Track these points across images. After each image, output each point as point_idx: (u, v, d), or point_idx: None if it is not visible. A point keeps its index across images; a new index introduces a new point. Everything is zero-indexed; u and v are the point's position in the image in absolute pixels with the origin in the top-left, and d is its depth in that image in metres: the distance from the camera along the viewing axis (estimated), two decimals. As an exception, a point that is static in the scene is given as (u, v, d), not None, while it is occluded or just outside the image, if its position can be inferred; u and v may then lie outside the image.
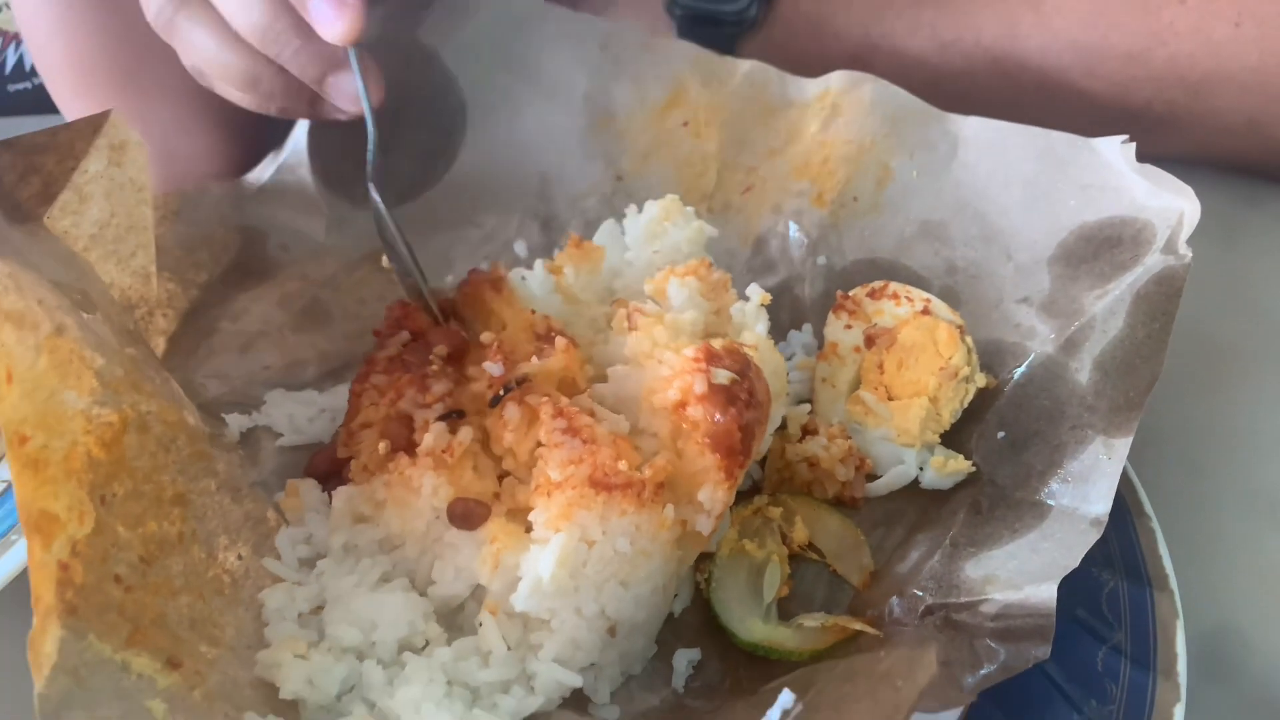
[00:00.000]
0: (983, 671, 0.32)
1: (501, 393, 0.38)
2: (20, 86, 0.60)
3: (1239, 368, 0.50)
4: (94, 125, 0.39)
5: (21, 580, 0.36)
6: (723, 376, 0.37)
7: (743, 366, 0.38)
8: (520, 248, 0.53)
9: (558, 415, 0.36)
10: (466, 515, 0.36)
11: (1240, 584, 0.41)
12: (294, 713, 0.34)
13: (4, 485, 0.42)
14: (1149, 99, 0.57)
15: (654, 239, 0.46)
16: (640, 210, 0.48)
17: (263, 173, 0.53)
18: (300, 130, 0.52)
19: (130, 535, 0.33)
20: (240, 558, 0.37)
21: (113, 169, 0.40)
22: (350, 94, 0.45)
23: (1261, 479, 0.44)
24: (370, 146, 0.45)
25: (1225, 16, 0.55)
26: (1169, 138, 0.60)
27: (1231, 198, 0.59)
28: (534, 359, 0.39)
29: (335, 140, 0.51)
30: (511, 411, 0.38)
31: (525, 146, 0.54)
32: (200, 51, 0.44)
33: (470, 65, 0.54)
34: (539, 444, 0.37)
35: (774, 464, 0.43)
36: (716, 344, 0.39)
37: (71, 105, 0.54)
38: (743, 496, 0.42)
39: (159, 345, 0.44)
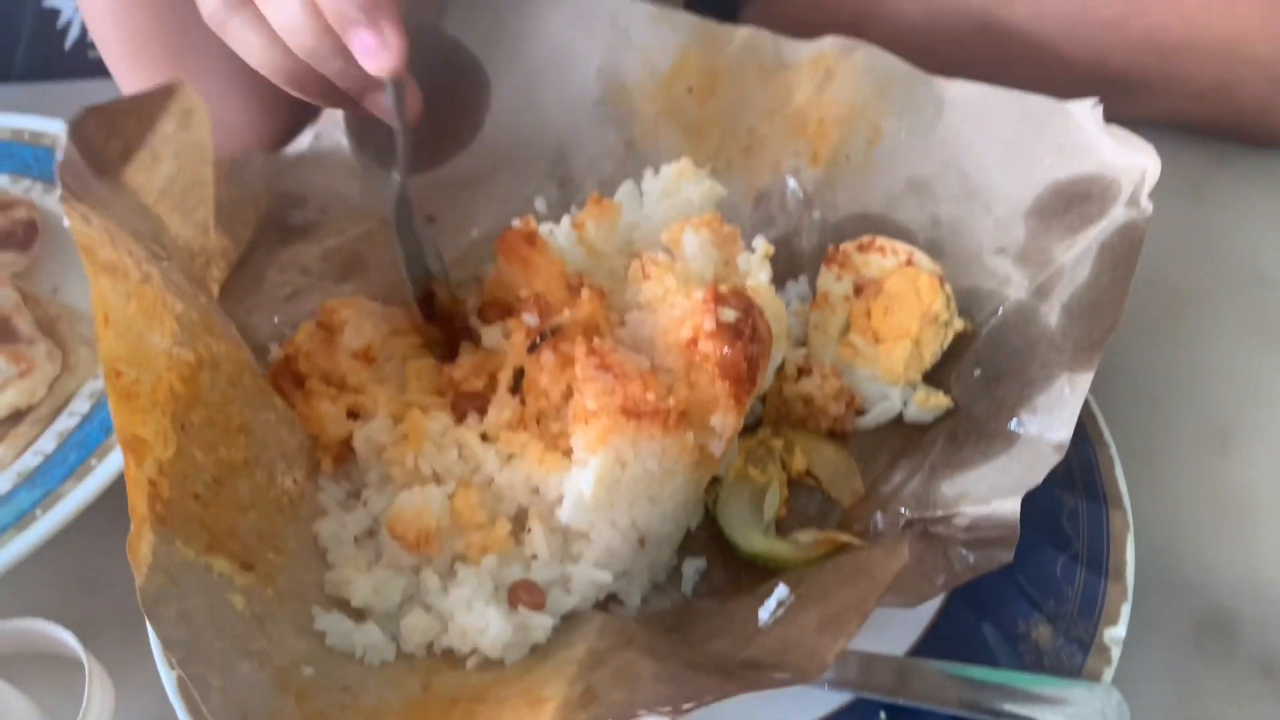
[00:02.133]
0: (954, 569, 0.37)
1: (538, 340, 0.43)
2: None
3: (1199, 311, 0.54)
4: (168, 92, 0.43)
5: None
6: (729, 315, 0.42)
7: (747, 307, 0.43)
8: (540, 204, 0.57)
9: (590, 354, 0.40)
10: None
11: (1189, 504, 0.45)
12: (358, 614, 0.39)
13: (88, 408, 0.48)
14: (1126, 64, 0.61)
15: (668, 196, 0.51)
16: (656, 173, 0.52)
17: (301, 142, 0.57)
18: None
19: (205, 459, 0.37)
20: (295, 482, 0.42)
21: (181, 132, 0.44)
22: (387, 110, 0.48)
23: (1213, 412, 0.49)
24: (399, 166, 0.48)
25: None
26: (1145, 100, 0.64)
27: (1201, 157, 0.63)
28: (565, 311, 0.44)
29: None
30: (547, 357, 0.42)
31: (543, 117, 0.58)
32: (251, 51, 0.47)
33: (492, 48, 0.58)
34: (569, 386, 0.41)
35: (773, 401, 0.48)
36: (723, 288, 0.43)
37: (125, 77, 0.58)
38: (747, 430, 0.47)
39: (214, 291, 0.48)
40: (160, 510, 0.34)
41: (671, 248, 0.47)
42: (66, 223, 0.36)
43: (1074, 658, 0.38)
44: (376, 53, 0.43)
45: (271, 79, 0.49)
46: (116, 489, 0.44)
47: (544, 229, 0.49)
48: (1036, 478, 0.39)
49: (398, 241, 0.48)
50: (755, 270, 0.47)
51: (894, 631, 0.39)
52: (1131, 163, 0.46)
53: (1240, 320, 0.54)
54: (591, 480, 0.39)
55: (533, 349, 0.43)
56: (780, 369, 0.47)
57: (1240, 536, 0.44)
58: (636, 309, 0.45)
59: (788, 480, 0.46)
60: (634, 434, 0.40)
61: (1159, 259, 0.56)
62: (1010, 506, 0.38)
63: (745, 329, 0.42)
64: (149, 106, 0.44)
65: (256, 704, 0.33)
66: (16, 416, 0.48)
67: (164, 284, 0.38)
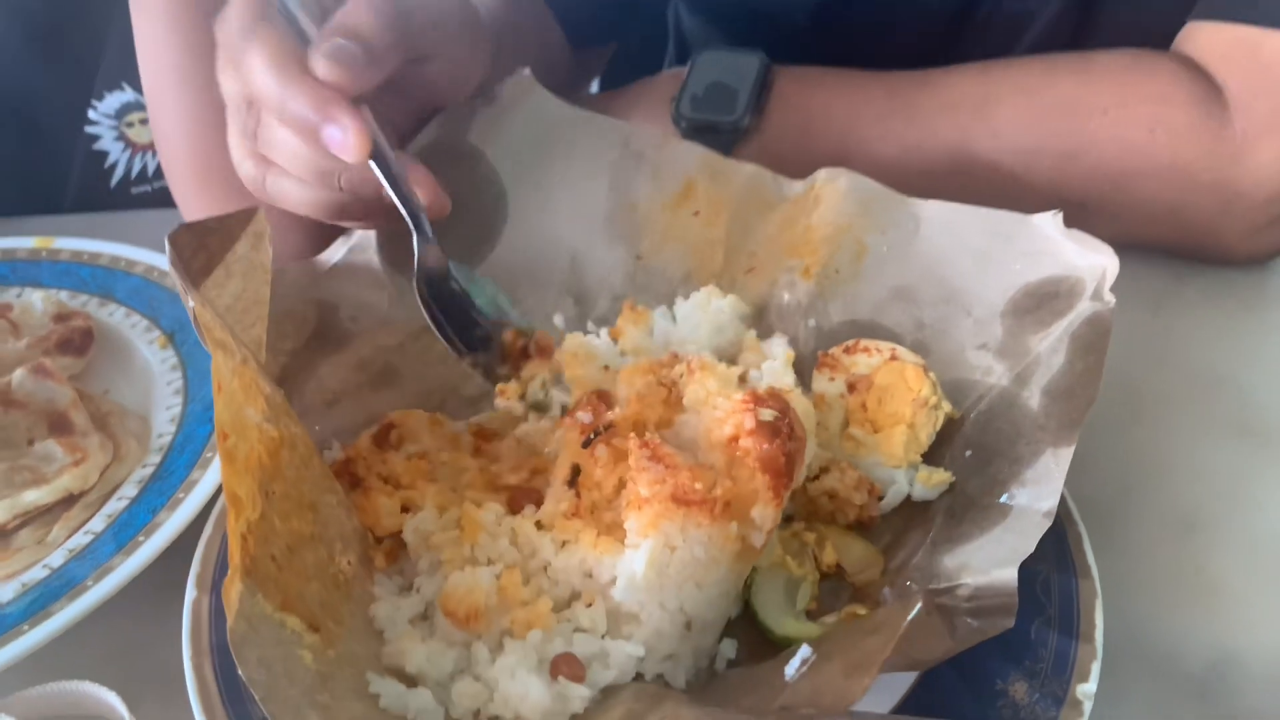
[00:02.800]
0: (959, 634, 0.40)
1: (592, 436, 0.47)
2: (142, 189, 0.70)
3: (1163, 410, 0.59)
4: (247, 216, 0.48)
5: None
6: (767, 414, 0.46)
7: (783, 407, 0.47)
8: (559, 320, 0.62)
9: (643, 446, 0.44)
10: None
11: (1156, 580, 0.49)
12: (411, 681, 0.41)
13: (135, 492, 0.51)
14: (1084, 191, 0.67)
15: (701, 309, 0.58)
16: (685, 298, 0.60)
17: (334, 254, 0.62)
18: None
19: (281, 526, 0.41)
20: (349, 563, 0.45)
21: (252, 253, 0.49)
22: (415, 205, 0.54)
23: (1177, 501, 0.54)
24: (415, 248, 0.54)
25: (1141, 124, 0.66)
26: (1104, 224, 0.69)
27: (1161, 276, 0.70)
28: (616, 409, 0.48)
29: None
30: (601, 451, 0.46)
31: (557, 231, 0.64)
32: (289, 199, 0.53)
33: (510, 162, 0.64)
34: (621, 479, 0.45)
35: (800, 499, 0.51)
36: (760, 390, 0.48)
37: (191, 200, 0.63)
38: (781, 526, 0.50)
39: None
40: (248, 563, 0.37)
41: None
42: (190, 304, 0.40)
43: (1048, 711, 0.41)
44: (344, 142, 0.48)
45: (321, 218, 0.54)
46: (160, 562, 0.47)
47: (581, 337, 0.55)
48: (1030, 545, 0.42)
49: (427, 313, 0.53)
50: (781, 374, 0.53)
51: (879, 694, 0.42)
52: (1093, 262, 0.52)
53: (1200, 418, 0.59)
54: (644, 561, 0.42)
55: (587, 444, 0.47)
56: (804, 468, 0.52)
57: (1205, 609, 0.48)
58: (681, 410, 0.50)
59: (819, 573, 0.49)
60: (683, 521, 0.43)
61: (1125, 364, 0.61)
62: (1008, 574, 0.42)
63: (783, 427, 0.46)
64: (231, 227, 0.48)
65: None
66: (70, 500, 0.52)
67: (256, 369, 0.42)
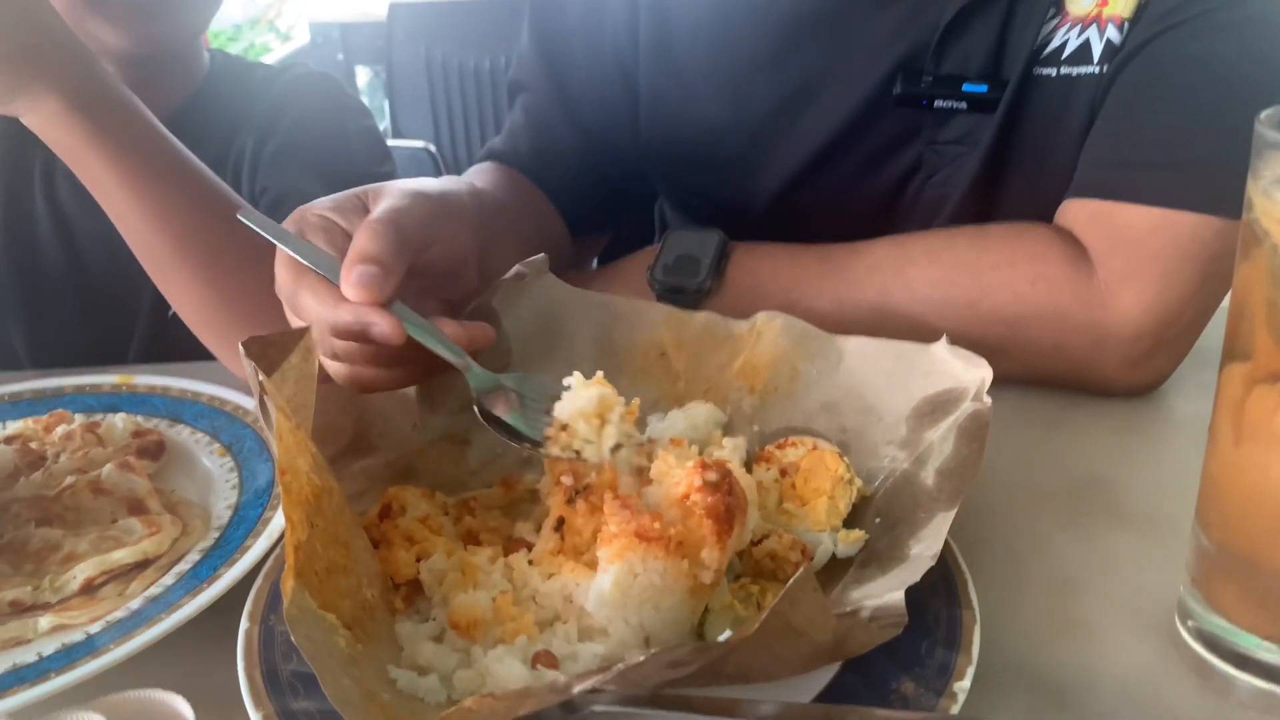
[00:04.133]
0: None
1: (575, 493, 0.59)
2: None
3: (1049, 502, 0.70)
4: (299, 335, 0.59)
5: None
6: (712, 476, 0.57)
7: (725, 471, 0.58)
8: (548, 418, 0.74)
9: (615, 498, 0.56)
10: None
11: (1035, 620, 0.59)
12: (423, 670, 0.52)
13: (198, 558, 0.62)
14: (984, 334, 0.80)
15: (683, 413, 0.71)
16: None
17: None
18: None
19: (322, 552, 0.52)
20: (373, 595, 0.56)
21: (302, 363, 0.60)
22: (453, 349, 0.64)
23: (1054, 565, 0.64)
24: (469, 381, 0.64)
25: (1025, 278, 0.80)
26: (1002, 361, 0.81)
27: (1057, 403, 0.82)
28: (594, 474, 0.60)
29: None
30: (581, 505, 0.58)
31: (550, 372, 0.78)
32: (375, 385, 0.66)
33: (519, 325, 0.78)
34: (598, 526, 0.56)
35: (748, 561, 0.62)
36: (707, 459, 0.60)
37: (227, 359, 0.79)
38: (731, 580, 0.61)
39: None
40: (299, 568, 0.48)
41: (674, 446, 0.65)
42: (259, 378, 0.53)
43: (930, 701, 0.50)
44: (385, 333, 0.59)
45: (399, 388, 0.68)
46: (219, 606, 0.58)
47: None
48: (917, 576, 0.53)
49: (493, 428, 0.63)
50: (730, 455, 0.65)
51: (796, 693, 0.52)
52: (974, 375, 0.65)
53: (1078, 507, 0.70)
54: (610, 581, 0.53)
55: (570, 500, 0.59)
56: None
57: (1069, 641, 0.58)
58: (649, 483, 0.61)
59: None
60: (644, 553, 0.53)
61: (1023, 469, 0.74)
62: (898, 596, 0.52)
63: (724, 485, 0.57)
64: (287, 342, 0.59)
65: (354, 702, 0.46)
66: (145, 563, 0.62)
67: (306, 435, 0.55)
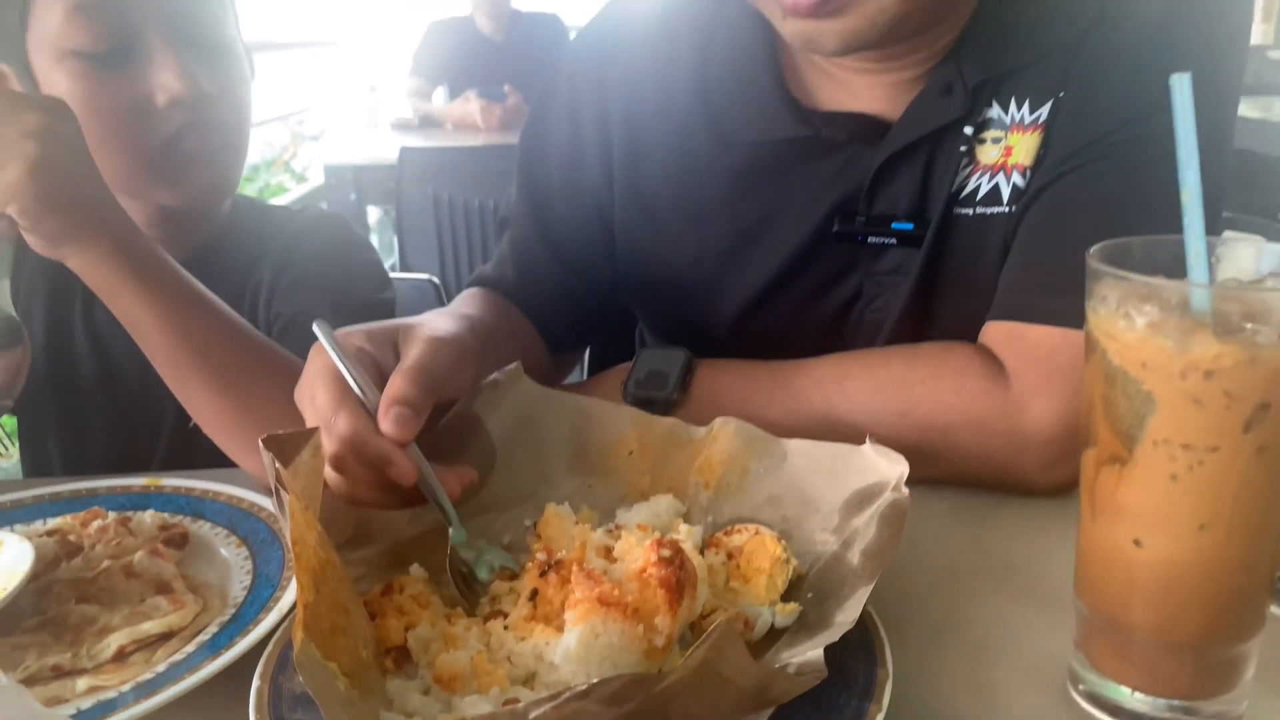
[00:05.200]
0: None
1: (547, 568, 0.68)
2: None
3: (972, 582, 0.79)
4: (309, 434, 0.68)
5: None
6: (666, 552, 0.67)
7: (677, 548, 0.67)
8: (528, 522, 0.84)
9: (581, 570, 0.65)
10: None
11: (944, 680, 0.68)
12: (409, 715, 0.60)
13: (216, 629, 0.71)
14: (917, 439, 0.90)
15: (646, 505, 0.80)
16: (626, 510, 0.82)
17: None
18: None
19: (325, 614, 0.61)
20: (366, 656, 0.65)
21: (312, 459, 0.69)
22: (446, 507, 0.76)
23: (971, 633, 0.72)
24: (450, 535, 0.76)
25: (949, 389, 0.90)
26: (936, 464, 0.92)
27: (985, 502, 0.92)
28: (564, 551, 0.69)
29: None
30: (552, 577, 0.67)
31: (531, 471, 0.88)
32: (364, 502, 0.77)
33: (500, 427, 0.89)
34: (566, 595, 0.65)
35: (697, 631, 0.70)
36: (663, 539, 0.69)
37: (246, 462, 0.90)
38: (684, 648, 0.69)
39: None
40: (307, 622, 0.58)
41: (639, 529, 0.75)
42: (275, 466, 0.63)
43: None
44: (400, 474, 0.71)
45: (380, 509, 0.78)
46: (233, 670, 0.66)
47: (558, 507, 0.78)
48: (836, 637, 0.62)
49: (454, 580, 0.74)
50: (685, 539, 0.74)
51: None
52: (895, 470, 0.74)
53: (997, 588, 0.78)
54: (575, 639, 0.61)
55: (543, 574, 0.68)
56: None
57: (977, 698, 0.65)
58: (613, 561, 0.70)
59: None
60: (605, 616, 0.62)
61: (951, 557, 0.83)
62: (818, 654, 0.60)
63: (676, 560, 0.67)
64: (300, 440, 0.70)
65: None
66: (170, 634, 0.71)
67: (313, 516, 0.64)
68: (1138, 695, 0.61)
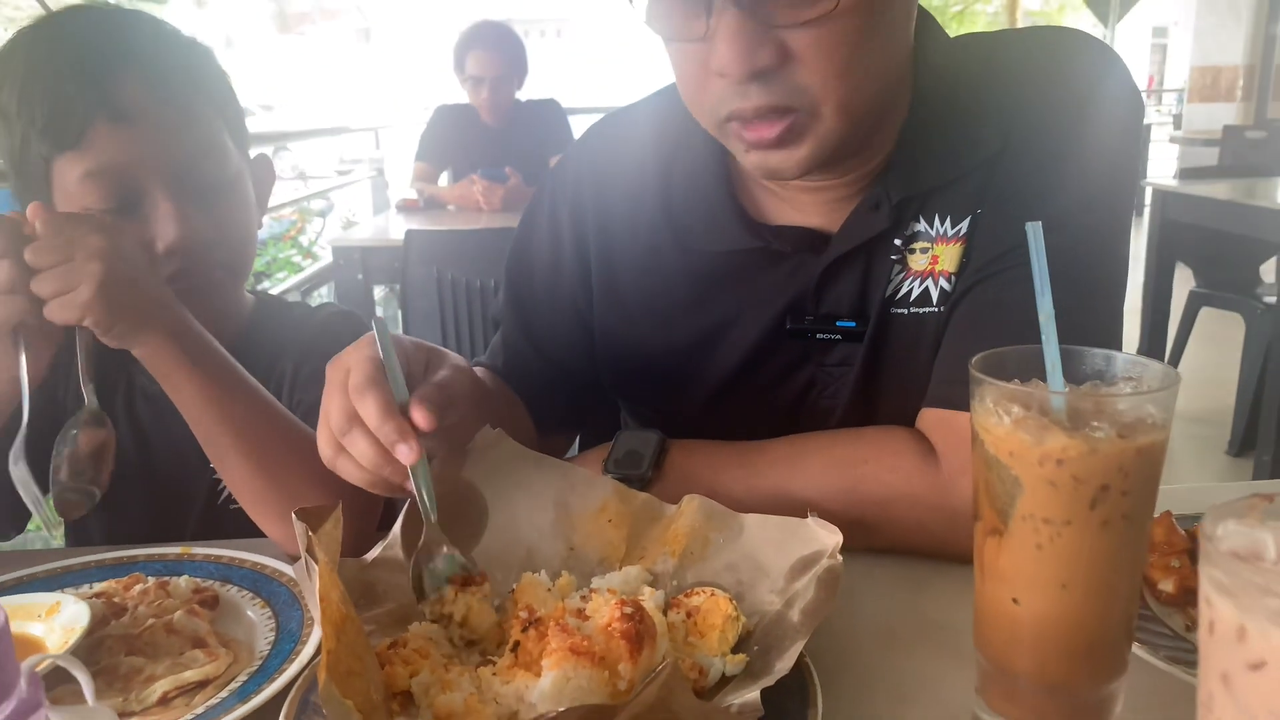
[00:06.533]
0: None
1: (528, 625, 0.80)
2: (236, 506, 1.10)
3: (906, 642, 0.91)
4: (331, 508, 0.80)
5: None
6: (628, 609, 0.79)
7: (638, 608, 0.79)
8: (513, 585, 0.96)
9: (557, 625, 0.77)
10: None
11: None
12: None
13: (245, 678, 0.82)
14: (860, 513, 1.02)
15: (617, 575, 0.92)
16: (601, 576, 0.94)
17: (374, 551, 0.96)
18: (398, 526, 0.98)
19: (343, 659, 0.72)
20: (377, 698, 0.76)
21: (332, 529, 0.82)
22: (427, 504, 0.90)
23: (903, 687, 0.84)
24: (424, 529, 0.90)
25: (888, 468, 1.03)
26: (877, 536, 1.04)
27: (924, 569, 1.04)
28: (543, 610, 0.82)
29: (418, 533, 0.97)
30: (532, 632, 0.79)
31: (517, 534, 0.99)
32: (352, 478, 0.91)
33: (490, 489, 1.01)
34: (544, 646, 0.77)
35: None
36: (626, 600, 0.81)
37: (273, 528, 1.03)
38: None
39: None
40: (330, 664, 0.69)
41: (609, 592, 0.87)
42: (306, 533, 0.75)
43: None
44: (407, 456, 0.82)
45: (369, 489, 0.91)
46: (262, 710, 0.78)
47: (534, 575, 0.89)
48: (771, 682, 0.74)
49: (413, 573, 0.88)
50: (649, 602, 0.86)
51: None
52: (832, 540, 0.87)
53: (925, 642, 0.89)
54: (550, 682, 0.73)
55: (525, 629, 0.80)
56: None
57: None
58: (586, 619, 0.82)
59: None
60: (575, 662, 0.73)
61: (888, 617, 0.95)
62: (755, 695, 0.72)
63: (637, 616, 0.79)
64: (322, 514, 0.82)
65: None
66: (206, 682, 0.82)
67: (337, 576, 0.77)
68: (1024, 731, 0.72)
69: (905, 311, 1.09)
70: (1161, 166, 11.10)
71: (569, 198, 1.25)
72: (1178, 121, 14.38)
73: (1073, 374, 0.71)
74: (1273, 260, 5.08)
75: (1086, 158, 1.02)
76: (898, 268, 1.09)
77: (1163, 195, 4.69)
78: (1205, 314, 4.82)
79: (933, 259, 1.07)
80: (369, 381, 0.86)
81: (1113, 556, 0.67)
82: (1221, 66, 11.85)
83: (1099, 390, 0.69)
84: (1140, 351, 4.98)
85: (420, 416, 0.83)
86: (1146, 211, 4.95)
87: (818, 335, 1.11)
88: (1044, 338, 0.68)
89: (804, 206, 1.11)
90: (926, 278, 1.08)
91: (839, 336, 1.10)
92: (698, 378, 1.19)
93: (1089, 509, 0.65)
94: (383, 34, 32.94)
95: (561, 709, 0.73)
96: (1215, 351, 5.53)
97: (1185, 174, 5.25)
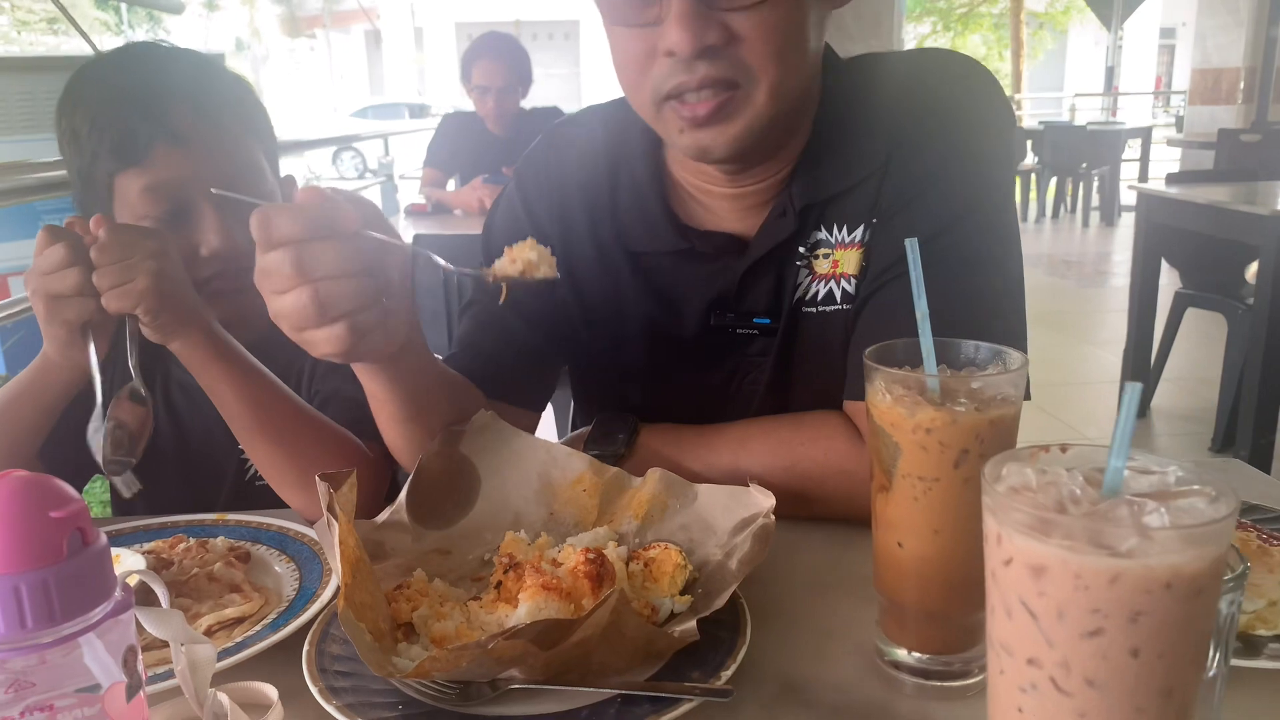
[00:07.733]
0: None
1: (509, 568, 0.96)
2: (262, 482, 1.27)
3: (830, 589, 1.07)
4: (348, 474, 0.96)
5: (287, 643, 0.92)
6: (591, 555, 0.96)
7: (600, 553, 0.96)
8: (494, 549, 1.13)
9: (533, 568, 0.94)
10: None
11: (793, 650, 0.96)
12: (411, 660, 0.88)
13: (274, 616, 0.99)
14: (800, 487, 1.16)
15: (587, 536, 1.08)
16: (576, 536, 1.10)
17: (383, 515, 1.12)
18: (403, 495, 1.15)
19: (357, 593, 0.89)
20: (384, 628, 0.93)
21: (348, 491, 0.99)
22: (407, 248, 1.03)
23: (818, 622, 1.01)
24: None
25: (822, 448, 1.17)
26: (816, 506, 1.20)
27: (852, 530, 1.19)
28: (521, 557, 0.98)
29: (421, 502, 1.14)
30: (513, 574, 0.95)
31: (506, 501, 1.16)
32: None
33: (484, 463, 1.17)
34: (523, 584, 0.94)
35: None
36: (590, 551, 0.98)
37: (295, 498, 1.20)
38: None
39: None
40: (347, 594, 0.86)
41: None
42: (327, 489, 0.92)
43: (707, 680, 0.87)
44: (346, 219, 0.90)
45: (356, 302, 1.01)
46: (289, 640, 0.94)
47: (515, 534, 1.06)
48: (708, 613, 0.90)
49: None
50: (612, 554, 1.03)
51: (636, 676, 0.88)
52: (767, 503, 1.03)
53: (847, 591, 1.05)
54: (525, 611, 0.89)
55: (506, 571, 0.97)
56: (617, 607, 1.00)
57: (816, 663, 0.93)
58: (558, 565, 0.99)
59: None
60: (546, 596, 0.90)
61: (819, 571, 1.11)
62: (693, 624, 0.87)
63: (599, 561, 0.95)
64: (340, 478, 0.99)
65: (374, 660, 0.82)
66: (242, 619, 0.99)
67: (352, 527, 0.93)
68: (914, 654, 0.88)
69: (814, 310, 1.24)
70: (1164, 169, 11.19)
71: (533, 193, 1.31)
72: (1180, 124, 14.47)
73: (952, 360, 0.87)
74: (1256, 263, 5.21)
75: (961, 170, 1.17)
76: (804, 272, 1.24)
77: (1148, 199, 4.84)
78: (1191, 314, 4.95)
79: (834, 264, 1.22)
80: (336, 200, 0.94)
81: (975, 507, 0.83)
82: (1222, 69, 11.95)
83: (971, 374, 0.86)
84: (1127, 349, 5.12)
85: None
86: (1133, 215, 5.09)
87: (738, 330, 1.27)
88: (920, 332, 0.84)
89: (724, 213, 1.26)
90: (830, 280, 1.23)
91: (756, 331, 1.27)
92: (640, 364, 1.34)
93: (954, 468, 0.81)
94: (392, 38, 33.18)
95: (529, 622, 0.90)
96: (1200, 351, 5.68)
97: (1172, 178, 5.39)
